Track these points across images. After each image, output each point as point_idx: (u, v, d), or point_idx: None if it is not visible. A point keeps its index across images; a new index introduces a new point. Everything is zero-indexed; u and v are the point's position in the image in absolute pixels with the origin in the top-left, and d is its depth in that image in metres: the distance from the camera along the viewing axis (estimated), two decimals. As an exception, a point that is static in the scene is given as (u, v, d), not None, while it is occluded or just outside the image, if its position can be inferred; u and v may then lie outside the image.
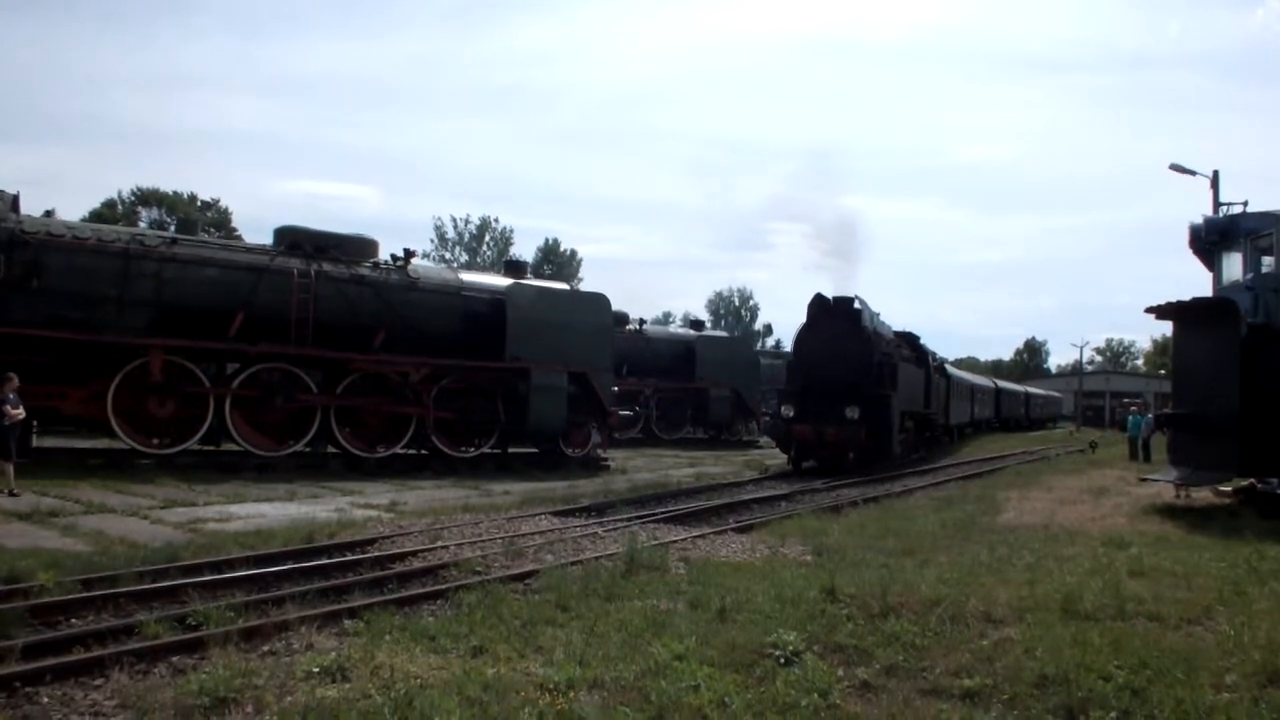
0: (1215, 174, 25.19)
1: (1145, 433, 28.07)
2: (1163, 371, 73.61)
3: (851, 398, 21.29)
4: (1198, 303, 15.19)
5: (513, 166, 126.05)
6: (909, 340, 29.07)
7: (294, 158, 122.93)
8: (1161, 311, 15.55)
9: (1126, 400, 45.63)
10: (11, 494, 12.27)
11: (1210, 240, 16.65)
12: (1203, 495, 16.51)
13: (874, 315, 23.98)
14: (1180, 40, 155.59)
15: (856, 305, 23.01)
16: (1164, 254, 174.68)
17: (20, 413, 13.17)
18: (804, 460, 22.37)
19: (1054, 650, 5.81)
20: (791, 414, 21.95)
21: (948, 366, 36.91)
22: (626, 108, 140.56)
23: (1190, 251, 17.25)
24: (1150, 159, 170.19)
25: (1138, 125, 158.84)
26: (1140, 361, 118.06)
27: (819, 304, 23.13)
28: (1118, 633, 6.31)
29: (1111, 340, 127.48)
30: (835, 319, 22.70)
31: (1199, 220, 17.24)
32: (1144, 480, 17.67)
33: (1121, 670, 5.45)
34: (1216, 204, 23.78)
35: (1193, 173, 26.42)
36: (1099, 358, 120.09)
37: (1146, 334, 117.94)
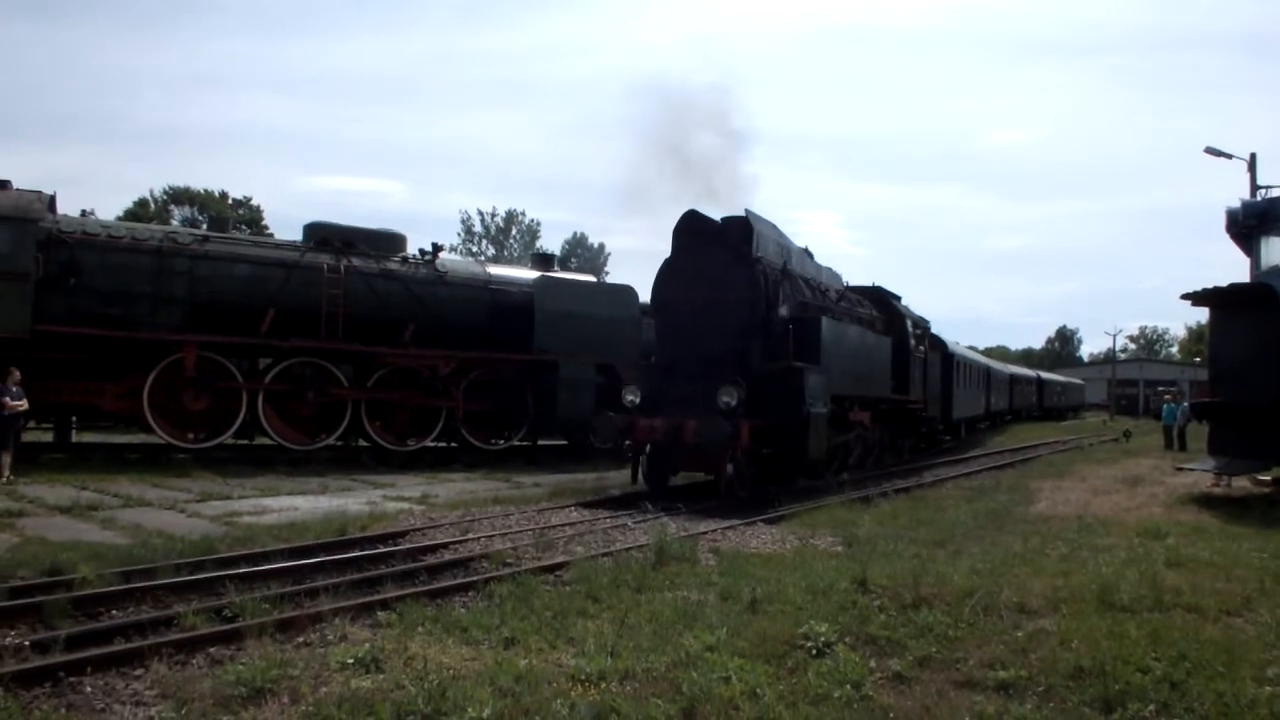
0: (1253, 156, 24.71)
1: (1181, 421, 27.66)
2: (1198, 359, 72.43)
3: (730, 374, 13.47)
4: (1235, 288, 14.89)
5: (537, 159, 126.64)
6: (874, 296, 20.87)
7: (319, 154, 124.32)
8: (1198, 298, 15.27)
9: (1161, 388, 44.85)
10: (8, 482, 12.81)
11: (1248, 224, 16.31)
12: (1241, 484, 16.24)
13: (790, 249, 16.23)
14: (1209, 19, 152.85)
15: (755, 229, 14.71)
16: (1198, 239, 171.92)
17: (22, 404, 13.64)
18: (663, 476, 14.51)
19: (1090, 642, 5.74)
20: (637, 401, 14.25)
21: (952, 344, 28.45)
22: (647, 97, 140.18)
23: (1227, 236, 16.93)
24: (1180, 141, 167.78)
25: (1166, 107, 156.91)
26: (1175, 349, 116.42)
27: (687, 227, 14.80)
28: (1155, 624, 6.21)
29: (1145, 328, 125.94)
30: (711, 250, 14.51)
31: (1236, 204, 16.91)
32: (1180, 469, 17.42)
33: (1160, 663, 5.37)
34: (1254, 187, 23.34)
35: (1229, 155, 25.91)
36: (1132, 345, 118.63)
37: (1181, 321, 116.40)
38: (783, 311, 14.78)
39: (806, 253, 17.48)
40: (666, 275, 14.94)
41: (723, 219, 15.01)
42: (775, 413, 13.72)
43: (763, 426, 13.65)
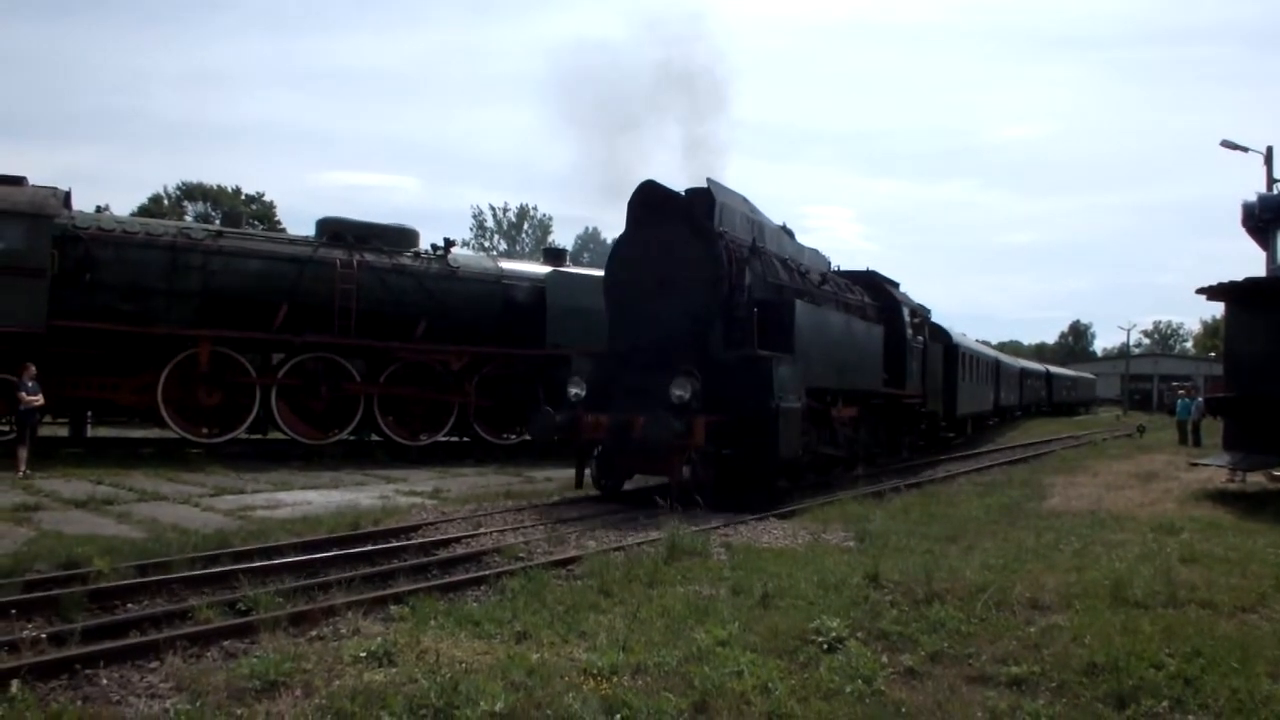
0: (1269, 150, 24.47)
1: (1195, 416, 27.48)
2: (1213, 354, 71.84)
3: (685, 364, 12.10)
4: (1251, 282, 14.80)
5: (548, 154, 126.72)
6: (867, 281, 19.36)
7: (331, 149, 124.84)
8: (1213, 292, 15.19)
9: (1175, 383, 44.41)
10: (24, 476, 12.89)
11: (1264, 218, 16.23)
12: (1256, 480, 16.14)
13: (763, 225, 14.77)
14: (1221, 11, 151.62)
15: (719, 200, 13.33)
16: (1213, 233, 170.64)
17: (38, 399, 13.77)
18: (615, 480, 13.11)
19: (1103, 637, 5.72)
20: (582, 394, 12.83)
21: (958, 335, 26.47)
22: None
23: (1243, 230, 16.82)
24: (1194, 135, 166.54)
25: (1179, 101, 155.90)
26: (1189, 344, 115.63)
27: (643, 199, 13.28)
28: (1169, 620, 6.19)
29: (1159, 322, 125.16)
30: (668, 224, 13.00)
31: (1253, 198, 16.80)
32: (1194, 465, 17.31)
33: (1173, 658, 5.35)
34: (1270, 180, 23.16)
35: (1245, 149, 25.69)
36: (1146, 340, 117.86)
37: (1196, 316, 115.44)
38: (751, 293, 13.12)
39: (785, 231, 16.09)
40: (620, 253, 13.67)
41: (685, 191, 13.43)
42: (738, 407, 12.08)
43: (723, 423, 12.04)
